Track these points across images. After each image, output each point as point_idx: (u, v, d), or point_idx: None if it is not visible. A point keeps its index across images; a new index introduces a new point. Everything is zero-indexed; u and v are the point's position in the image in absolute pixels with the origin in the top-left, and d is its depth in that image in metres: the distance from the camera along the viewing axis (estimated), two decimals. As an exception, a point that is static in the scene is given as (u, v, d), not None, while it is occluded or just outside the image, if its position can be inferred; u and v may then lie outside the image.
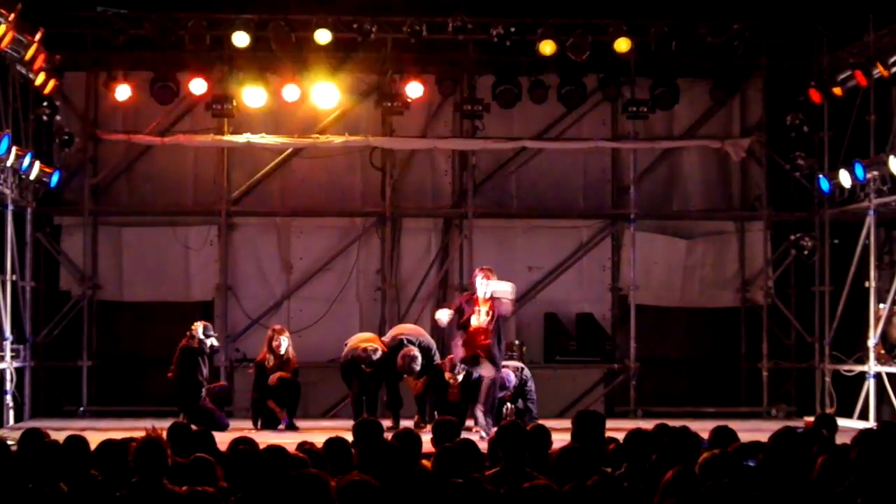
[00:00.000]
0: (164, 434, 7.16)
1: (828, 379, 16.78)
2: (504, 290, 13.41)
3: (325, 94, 16.70)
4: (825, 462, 6.54)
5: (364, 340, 14.31)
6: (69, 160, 17.16)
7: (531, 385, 14.39)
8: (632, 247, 17.52)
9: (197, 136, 17.11)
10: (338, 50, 16.64)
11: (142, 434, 6.62)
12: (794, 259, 17.54)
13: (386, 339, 14.52)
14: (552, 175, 17.85)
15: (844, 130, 16.43)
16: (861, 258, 16.09)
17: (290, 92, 16.63)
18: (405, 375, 14.19)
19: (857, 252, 16.13)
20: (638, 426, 8.32)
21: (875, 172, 15.37)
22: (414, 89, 16.74)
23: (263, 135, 17.07)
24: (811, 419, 9.49)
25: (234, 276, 17.39)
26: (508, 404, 14.17)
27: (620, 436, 8.75)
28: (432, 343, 14.55)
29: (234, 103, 16.62)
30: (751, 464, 6.92)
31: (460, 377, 14.00)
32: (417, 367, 14.00)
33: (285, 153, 17.58)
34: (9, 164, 14.97)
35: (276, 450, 6.82)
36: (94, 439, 7.47)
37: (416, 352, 14.01)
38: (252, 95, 16.63)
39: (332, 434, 7.72)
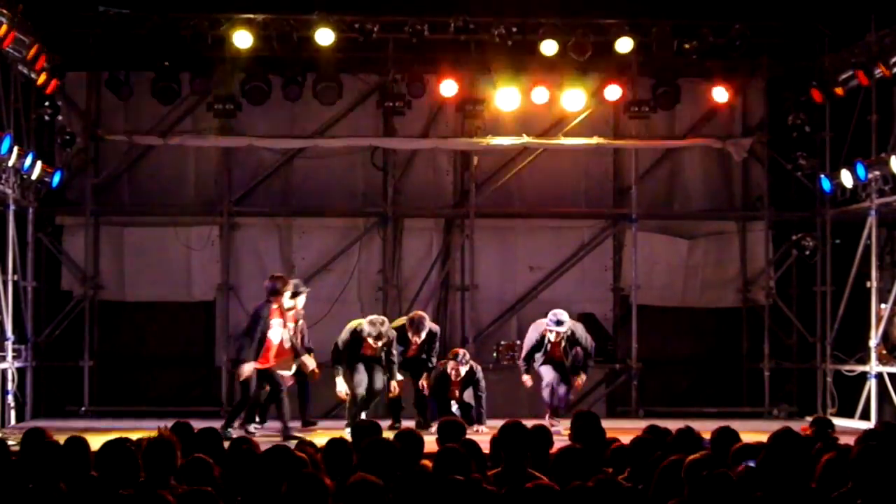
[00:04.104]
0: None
1: (829, 379, 16.77)
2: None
3: (327, 93, 16.71)
4: (827, 463, 6.54)
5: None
6: (71, 160, 17.17)
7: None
8: (633, 247, 17.53)
9: (199, 136, 17.13)
10: (339, 50, 16.64)
11: (150, 434, 6.65)
12: (795, 259, 17.54)
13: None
14: (554, 175, 17.84)
15: (846, 130, 16.43)
16: (863, 258, 16.09)
17: (292, 92, 16.64)
18: (412, 340, 14.25)
19: (859, 252, 16.12)
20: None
21: (876, 172, 15.36)
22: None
23: (264, 135, 17.10)
24: (807, 426, 9.51)
25: (235, 275, 17.39)
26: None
27: (621, 436, 8.76)
28: (437, 329, 14.70)
29: (236, 103, 16.66)
30: (751, 464, 6.92)
31: (464, 370, 14.11)
32: (425, 328, 14.19)
33: (286, 153, 17.58)
34: (10, 164, 14.97)
35: (277, 450, 6.83)
36: (95, 440, 7.47)
37: (425, 316, 14.37)
38: (254, 95, 16.64)
39: (334, 434, 7.72)
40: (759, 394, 17.44)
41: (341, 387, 13.94)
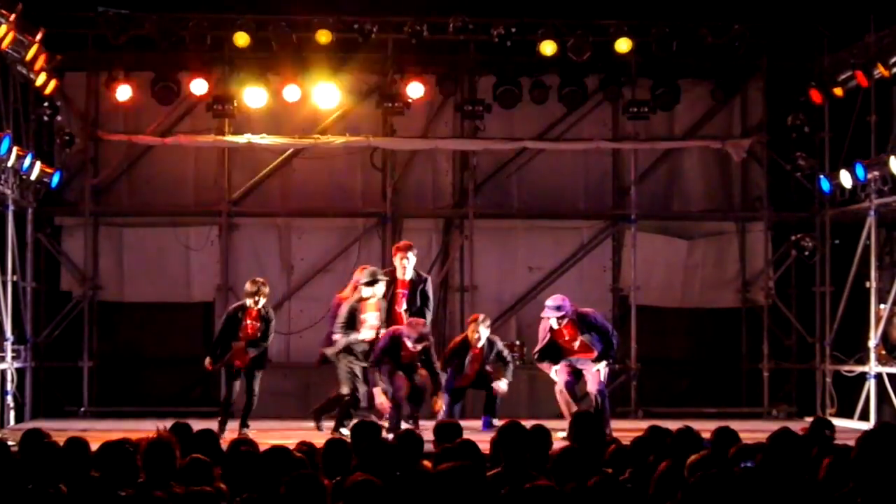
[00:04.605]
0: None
1: (828, 379, 16.77)
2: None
3: (325, 94, 16.72)
4: (827, 463, 6.54)
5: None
6: (70, 160, 17.17)
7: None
8: (632, 247, 17.52)
9: (198, 136, 17.13)
10: (339, 50, 16.64)
11: (149, 434, 6.65)
12: (794, 259, 17.53)
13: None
14: (553, 176, 17.85)
15: (845, 131, 16.43)
16: (862, 259, 16.09)
17: (291, 92, 16.65)
18: (399, 267, 14.22)
19: (858, 252, 16.13)
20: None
21: (876, 173, 15.37)
22: (415, 89, 16.74)
23: (264, 135, 17.09)
24: (806, 426, 9.51)
25: (234, 276, 17.35)
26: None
27: (621, 436, 8.76)
28: (429, 277, 14.78)
29: (235, 103, 16.64)
30: (749, 465, 6.92)
31: (484, 332, 14.05)
32: (413, 251, 14.27)
33: (286, 154, 17.58)
34: (10, 164, 14.98)
35: (276, 450, 6.83)
36: (95, 440, 7.47)
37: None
38: (253, 96, 16.65)
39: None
40: (759, 394, 17.43)
41: (380, 398, 13.43)
